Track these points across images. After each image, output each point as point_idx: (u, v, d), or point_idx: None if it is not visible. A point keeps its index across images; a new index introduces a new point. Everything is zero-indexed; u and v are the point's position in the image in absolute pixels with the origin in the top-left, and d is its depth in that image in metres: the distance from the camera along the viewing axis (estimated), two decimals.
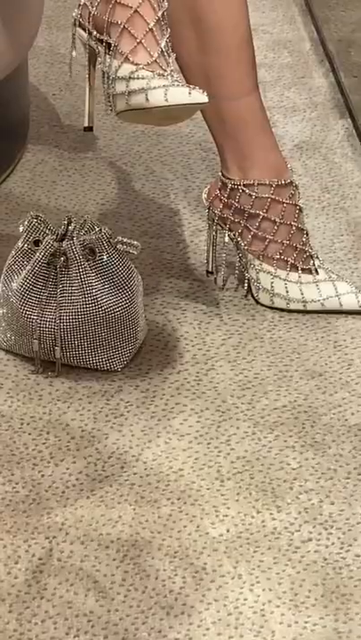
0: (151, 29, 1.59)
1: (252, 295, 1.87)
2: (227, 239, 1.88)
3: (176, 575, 1.44)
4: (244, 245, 1.85)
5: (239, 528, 1.50)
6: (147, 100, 1.57)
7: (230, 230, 1.86)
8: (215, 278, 1.92)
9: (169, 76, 1.58)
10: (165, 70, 1.59)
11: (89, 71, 1.71)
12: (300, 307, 1.84)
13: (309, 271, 1.85)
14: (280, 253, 1.83)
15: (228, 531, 1.50)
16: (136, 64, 1.59)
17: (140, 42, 1.59)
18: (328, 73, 2.40)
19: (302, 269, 1.84)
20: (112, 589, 1.42)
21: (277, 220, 1.82)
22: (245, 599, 1.42)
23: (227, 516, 1.52)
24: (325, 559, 1.46)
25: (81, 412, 1.67)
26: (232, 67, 1.81)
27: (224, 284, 1.91)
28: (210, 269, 1.92)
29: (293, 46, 2.51)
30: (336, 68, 2.38)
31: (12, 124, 2.17)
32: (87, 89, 1.73)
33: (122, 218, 2.04)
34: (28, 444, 1.62)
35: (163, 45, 1.60)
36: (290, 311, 1.85)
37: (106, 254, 1.70)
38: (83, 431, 1.64)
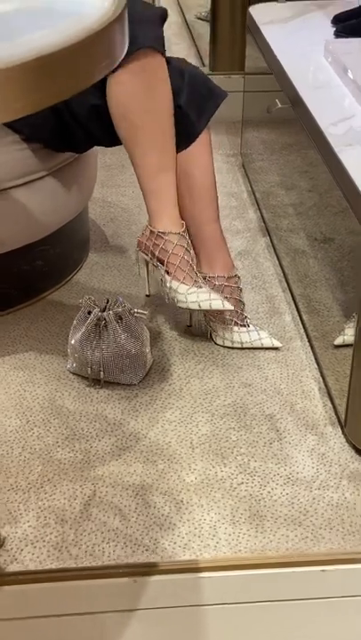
0: (191, 266, 1.63)
1: (212, 338, 1.81)
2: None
3: (166, 505, 1.39)
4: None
5: (202, 477, 1.45)
6: (199, 306, 1.62)
7: None
8: (192, 329, 1.86)
9: (205, 288, 1.64)
10: (202, 286, 1.64)
11: (147, 269, 1.72)
12: (238, 345, 1.79)
13: (244, 325, 1.79)
14: (229, 316, 1.78)
15: (195, 478, 1.45)
16: (187, 285, 1.62)
17: (188, 274, 1.62)
18: (256, 211, 2.34)
19: (240, 325, 1.79)
20: (129, 514, 1.37)
21: (228, 296, 1.77)
22: (205, 519, 1.37)
23: (195, 469, 1.47)
24: (251, 495, 1.42)
25: (114, 408, 1.62)
26: (207, 206, 1.76)
27: (197, 332, 1.85)
28: (189, 324, 1.86)
29: (237, 195, 2.46)
30: (261, 208, 2.33)
31: (79, 241, 2.12)
32: (147, 279, 1.76)
33: (138, 298, 1.97)
34: (84, 427, 1.57)
35: (196, 272, 1.64)
36: (233, 348, 1.79)
37: (128, 319, 1.65)
38: (115, 420, 1.59)
